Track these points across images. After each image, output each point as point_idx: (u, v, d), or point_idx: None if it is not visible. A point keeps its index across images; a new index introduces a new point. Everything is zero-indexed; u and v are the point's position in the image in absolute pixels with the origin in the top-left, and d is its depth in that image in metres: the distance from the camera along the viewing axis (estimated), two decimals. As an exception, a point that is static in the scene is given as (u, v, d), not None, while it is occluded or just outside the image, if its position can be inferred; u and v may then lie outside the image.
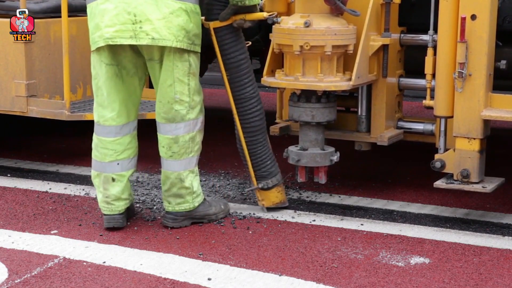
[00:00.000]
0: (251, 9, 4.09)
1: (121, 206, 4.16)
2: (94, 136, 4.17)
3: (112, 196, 4.15)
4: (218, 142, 5.98)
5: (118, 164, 4.14)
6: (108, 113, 4.08)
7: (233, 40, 4.14)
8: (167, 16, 3.88)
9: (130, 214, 4.32)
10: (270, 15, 4.13)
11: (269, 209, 4.42)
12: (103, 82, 4.05)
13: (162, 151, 4.14)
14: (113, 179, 4.15)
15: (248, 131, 4.27)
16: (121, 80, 4.07)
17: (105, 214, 4.17)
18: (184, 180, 4.13)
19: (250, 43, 4.32)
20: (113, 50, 4.01)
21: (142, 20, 3.87)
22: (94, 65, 4.08)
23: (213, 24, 4.11)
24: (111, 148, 4.12)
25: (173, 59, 3.97)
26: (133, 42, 3.90)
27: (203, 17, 4.13)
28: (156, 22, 3.87)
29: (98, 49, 4.01)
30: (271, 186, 4.35)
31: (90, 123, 4.37)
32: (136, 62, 4.08)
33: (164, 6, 3.88)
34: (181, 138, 4.08)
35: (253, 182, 4.37)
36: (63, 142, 6.09)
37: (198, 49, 4.06)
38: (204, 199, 4.29)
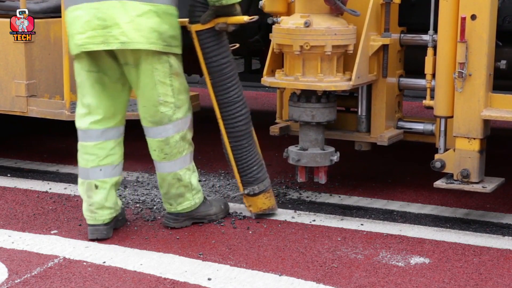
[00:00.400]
0: (230, 9, 4.03)
1: (105, 215, 4.05)
2: (78, 143, 4.10)
3: (96, 204, 4.04)
4: (218, 142, 5.96)
5: (100, 170, 4.04)
6: (91, 118, 4.03)
7: (215, 43, 4.08)
8: (134, 19, 3.82)
9: (119, 224, 4.21)
10: (251, 19, 4.05)
11: (258, 216, 4.35)
12: (86, 88, 4.02)
13: (154, 154, 4.09)
14: (96, 186, 4.04)
15: (232, 136, 4.21)
16: (103, 86, 4.01)
17: (89, 225, 4.07)
18: (182, 179, 4.11)
19: (237, 45, 4.24)
20: (92, 57, 3.97)
21: (111, 24, 3.82)
22: (77, 72, 4.07)
23: (194, 27, 4.06)
24: (93, 153, 4.04)
25: (151, 62, 3.91)
26: (104, 47, 3.85)
27: (186, 20, 4.08)
28: (124, 26, 3.82)
29: (78, 57, 3.99)
30: (257, 192, 4.27)
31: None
32: (117, 68, 4.01)
33: (132, 9, 3.83)
34: (171, 139, 4.03)
35: (239, 187, 4.32)
36: (63, 142, 6.09)
37: (177, 50, 3.98)
38: (205, 198, 4.29)
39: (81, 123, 4.06)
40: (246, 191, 4.27)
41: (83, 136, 4.07)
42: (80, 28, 3.88)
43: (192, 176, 4.16)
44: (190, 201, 4.17)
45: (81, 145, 4.09)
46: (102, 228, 4.06)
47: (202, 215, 4.23)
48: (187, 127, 4.10)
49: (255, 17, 4.09)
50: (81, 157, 4.09)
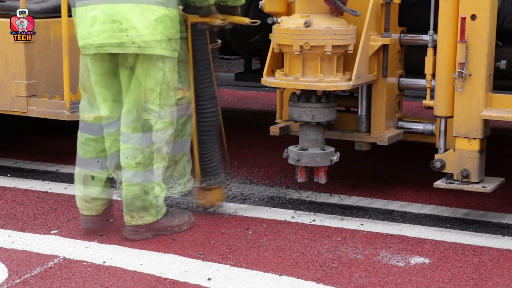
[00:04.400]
0: (233, 10, 4.11)
1: (98, 206, 4.12)
2: (78, 133, 4.15)
3: (91, 195, 4.11)
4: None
5: (98, 161, 4.10)
6: (93, 113, 4.08)
7: (203, 38, 4.18)
8: (152, 24, 3.85)
9: (109, 216, 4.24)
10: (252, 22, 4.15)
11: (205, 209, 4.43)
12: (92, 83, 4.05)
13: (125, 161, 3.97)
14: (93, 177, 4.11)
15: (200, 129, 4.28)
16: (105, 83, 4.04)
17: (82, 215, 4.14)
18: (148, 192, 4.00)
19: (219, 44, 4.34)
20: (99, 59, 3.98)
21: (128, 28, 3.83)
22: (81, 67, 4.12)
23: (192, 18, 4.14)
24: (92, 145, 4.11)
25: (146, 67, 3.91)
26: (121, 50, 3.87)
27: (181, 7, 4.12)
28: (142, 30, 3.84)
29: (83, 53, 4.02)
30: (213, 187, 4.35)
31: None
32: (111, 67, 4.02)
33: (149, 13, 3.84)
34: (147, 149, 3.96)
35: (196, 179, 4.36)
36: (63, 142, 6.08)
37: (176, 54, 4.01)
38: (167, 210, 4.16)
39: (84, 116, 4.13)
40: (203, 184, 4.34)
41: (85, 128, 4.12)
42: (97, 30, 3.88)
43: (161, 194, 4.05)
44: (153, 217, 4.05)
45: (81, 135, 4.13)
46: (95, 218, 4.12)
47: (163, 227, 4.10)
48: (164, 140, 4.02)
49: (258, 22, 4.21)
50: (80, 147, 4.14)
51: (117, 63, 4.01)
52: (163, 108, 3.98)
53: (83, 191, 4.12)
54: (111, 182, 4.21)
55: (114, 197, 4.34)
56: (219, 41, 4.35)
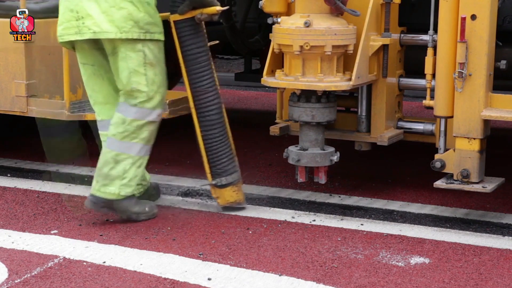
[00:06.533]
0: (204, 3, 4.18)
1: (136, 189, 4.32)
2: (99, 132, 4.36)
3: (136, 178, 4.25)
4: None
5: None
6: (96, 108, 4.29)
7: (191, 33, 4.22)
8: (107, 10, 4.00)
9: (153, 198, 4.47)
10: (222, 10, 4.22)
11: (225, 208, 4.40)
12: (85, 81, 4.26)
13: (110, 128, 4.16)
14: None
15: (204, 125, 4.28)
16: (101, 78, 4.21)
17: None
18: (119, 162, 4.13)
19: (217, 42, 4.48)
20: (83, 51, 4.17)
21: (84, 16, 4.02)
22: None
23: (173, 17, 4.22)
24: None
25: (125, 50, 4.06)
26: (78, 37, 4.06)
27: (168, 13, 4.25)
28: (97, 17, 4.00)
29: (74, 50, 4.22)
30: (224, 184, 4.33)
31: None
32: (103, 59, 4.19)
33: (103, 1, 4.01)
34: (128, 121, 4.11)
35: (207, 177, 4.36)
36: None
37: (158, 36, 4.13)
38: (134, 195, 4.26)
39: (95, 114, 4.32)
40: (214, 182, 4.33)
41: (99, 125, 4.32)
42: (58, 20, 4.14)
43: (131, 168, 4.15)
44: (115, 188, 4.14)
45: (101, 134, 4.33)
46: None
47: (122, 208, 4.20)
48: (148, 119, 4.14)
49: (226, 8, 4.33)
50: (100, 144, 4.33)
51: (99, 66, 4.18)
52: (151, 87, 4.11)
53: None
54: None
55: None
56: (217, 41, 4.45)
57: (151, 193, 4.51)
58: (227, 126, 4.35)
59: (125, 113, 4.11)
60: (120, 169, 4.12)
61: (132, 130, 4.11)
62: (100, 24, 3.99)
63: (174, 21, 4.22)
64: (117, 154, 4.12)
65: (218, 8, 4.20)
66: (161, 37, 4.16)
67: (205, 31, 4.29)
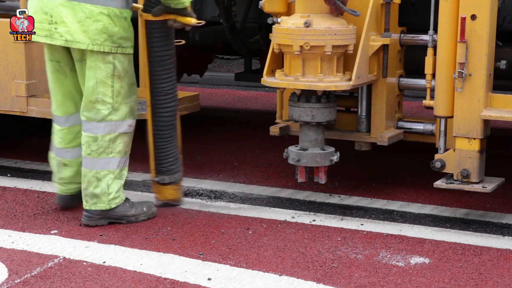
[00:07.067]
0: (180, 12, 4.19)
1: (73, 189, 4.40)
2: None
3: (65, 179, 4.38)
4: (218, 141, 5.98)
5: (67, 152, 4.32)
6: (53, 103, 4.33)
7: (161, 35, 4.26)
8: (82, 20, 4.01)
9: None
10: (198, 23, 4.25)
11: (162, 204, 4.49)
12: (48, 75, 4.29)
13: (83, 148, 4.18)
14: (65, 164, 4.35)
15: (157, 124, 4.37)
16: (64, 75, 4.24)
17: (57, 193, 4.45)
18: (101, 180, 4.16)
19: (183, 41, 4.43)
20: (51, 48, 4.20)
21: (58, 21, 4.03)
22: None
23: (146, 16, 4.25)
24: (60, 136, 4.32)
25: (95, 60, 4.07)
26: (48, 41, 4.08)
27: (140, 6, 4.29)
28: (71, 26, 4.01)
29: (43, 45, 4.25)
30: (167, 183, 4.43)
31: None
32: (70, 59, 4.20)
33: (80, 11, 4.01)
34: (100, 138, 4.13)
35: (151, 173, 4.46)
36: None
37: (129, 50, 4.16)
38: (127, 199, 4.29)
39: (51, 108, 4.37)
40: (157, 179, 4.44)
41: (54, 119, 4.36)
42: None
43: (113, 182, 4.18)
44: (105, 204, 4.18)
45: (53, 125, 4.37)
46: (68, 197, 4.43)
47: (118, 215, 4.23)
48: (120, 130, 4.16)
49: (202, 22, 4.33)
50: (53, 135, 4.37)
51: (64, 63, 4.21)
52: (116, 99, 4.13)
53: (57, 175, 4.39)
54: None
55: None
56: (182, 41, 4.44)
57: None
58: (178, 128, 4.43)
59: (94, 131, 4.12)
60: (103, 186, 4.17)
61: (106, 145, 4.14)
62: (74, 33, 4.01)
63: (146, 21, 4.25)
64: (97, 172, 4.16)
65: (194, 21, 4.24)
66: (132, 50, 4.19)
67: (174, 35, 4.31)
